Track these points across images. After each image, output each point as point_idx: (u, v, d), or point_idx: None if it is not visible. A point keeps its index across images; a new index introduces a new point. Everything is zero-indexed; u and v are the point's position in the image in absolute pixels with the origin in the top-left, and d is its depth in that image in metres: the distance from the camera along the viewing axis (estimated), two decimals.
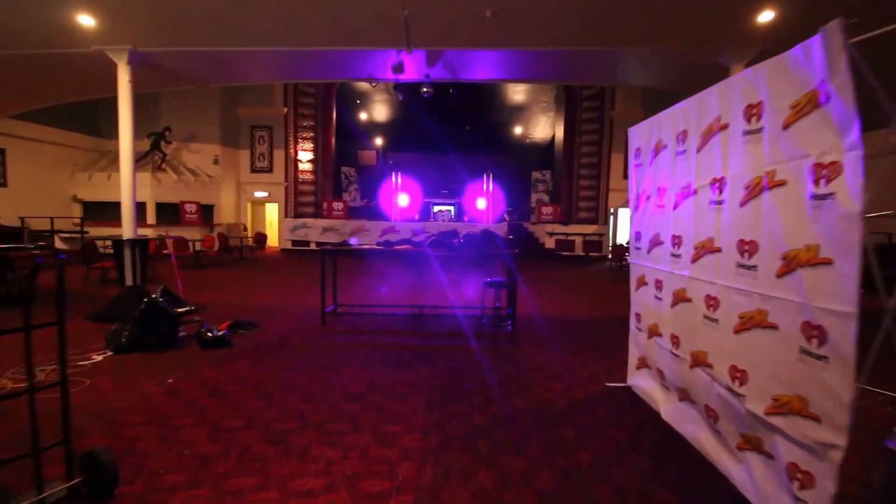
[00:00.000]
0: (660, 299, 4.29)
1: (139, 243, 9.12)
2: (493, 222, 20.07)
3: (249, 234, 20.71)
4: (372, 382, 5.07)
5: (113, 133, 18.83)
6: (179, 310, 7.15)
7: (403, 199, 19.84)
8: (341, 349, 6.45)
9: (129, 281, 8.71)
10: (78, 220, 17.00)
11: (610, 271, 15.74)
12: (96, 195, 17.30)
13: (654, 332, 4.43)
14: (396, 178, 20.00)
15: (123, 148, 9.96)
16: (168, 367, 5.48)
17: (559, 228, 20.16)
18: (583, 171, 20.68)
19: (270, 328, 7.49)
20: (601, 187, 20.44)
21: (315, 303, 8.38)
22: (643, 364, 4.78)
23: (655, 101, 20.16)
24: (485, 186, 20.04)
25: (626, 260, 14.81)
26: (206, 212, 18.94)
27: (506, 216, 22.49)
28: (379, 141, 25.03)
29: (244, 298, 10.00)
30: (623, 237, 21.15)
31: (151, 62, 10.24)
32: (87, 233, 17.13)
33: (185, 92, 18.40)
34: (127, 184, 10.06)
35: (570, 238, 20.03)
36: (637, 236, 4.82)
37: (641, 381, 4.80)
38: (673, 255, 4.01)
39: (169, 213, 17.90)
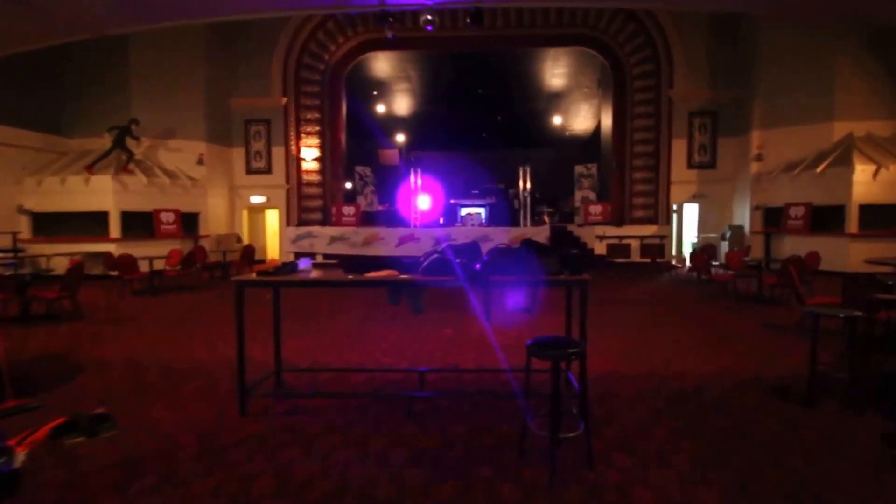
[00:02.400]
0: None
1: None
2: (529, 226, 16.44)
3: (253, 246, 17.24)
4: None
5: (76, 130, 15.18)
6: None
7: (424, 202, 16.27)
8: (269, 472, 3.08)
9: None
10: (24, 235, 13.54)
11: (688, 284, 11.72)
12: (48, 205, 13.57)
13: None
14: (416, 178, 16.46)
15: None
16: None
17: (611, 231, 16.42)
18: (637, 163, 16.91)
19: (159, 418, 3.93)
20: (660, 180, 16.68)
21: (284, 354, 4.76)
22: None
23: (725, 75, 15.75)
24: (520, 184, 16.45)
25: (713, 271, 11.23)
26: (190, 221, 15.40)
27: (545, 218, 18.86)
28: (401, 138, 21.52)
29: (164, 349, 6.16)
30: (690, 238, 17.41)
31: None
32: (21, 252, 13.69)
33: (160, 80, 14.90)
34: None
35: (625, 242, 16.26)
36: None
37: None
38: None
39: (140, 223, 14.13)
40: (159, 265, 11.85)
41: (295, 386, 4.72)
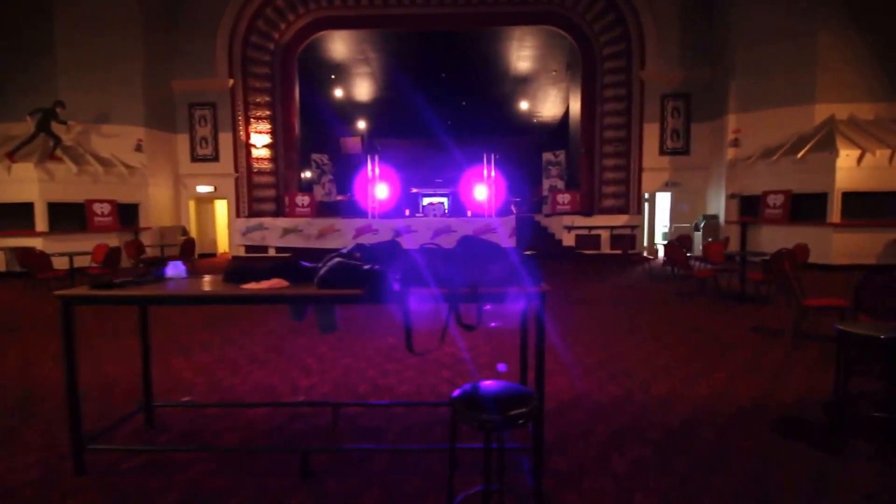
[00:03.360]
0: None
1: None
2: (496, 215, 15.35)
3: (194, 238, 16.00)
4: None
5: (7, 113, 13.41)
6: None
7: (382, 191, 15.09)
8: None
9: None
10: None
11: (662, 279, 10.52)
12: None
13: None
14: (373, 166, 15.24)
15: None
16: None
17: (580, 221, 15.36)
18: (607, 149, 15.81)
19: None
20: (631, 167, 15.62)
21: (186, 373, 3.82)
22: None
23: (699, 55, 14.42)
24: (485, 172, 15.29)
25: (692, 266, 9.86)
26: (128, 213, 14.04)
27: (513, 208, 17.76)
28: (362, 125, 20.27)
29: (45, 367, 4.92)
30: (662, 229, 16.35)
31: None
32: None
33: (91, 58, 13.29)
34: None
35: (594, 233, 15.23)
36: None
37: None
38: None
39: (70, 215, 12.71)
40: (85, 262, 10.72)
41: (171, 424, 3.47)
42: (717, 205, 14.54)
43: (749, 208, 13.77)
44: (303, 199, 15.35)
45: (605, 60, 15.20)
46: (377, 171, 14.94)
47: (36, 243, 12.14)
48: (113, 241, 12.32)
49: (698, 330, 6.16)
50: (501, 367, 4.71)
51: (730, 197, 14.07)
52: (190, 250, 12.43)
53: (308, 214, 15.33)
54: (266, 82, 15.40)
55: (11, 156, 12.30)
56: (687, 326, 6.35)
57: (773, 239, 12.62)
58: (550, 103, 18.24)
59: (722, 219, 14.31)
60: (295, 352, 5.28)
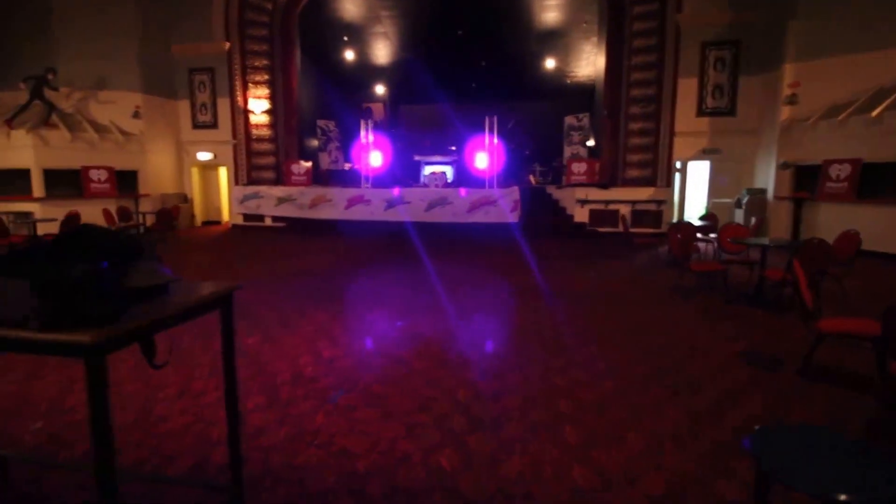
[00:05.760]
0: None
1: None
2: (496, 186, 13.45)
3: (196, 206, 15.74)
4: None
5: (6, 82, 12.93)
6: None
7: (377, 159, 13.68)
8: None
9: None
10: None
11: (674, 268, 7.93)
12: None
13: None
14: (367, 132, 13.83)
15: None
16: None
17: (595, 194, 13.09)
18: (633, 110, 13.28)
19: None
20: (661, 131, 13.01)
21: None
22: None
23: None
24: (486, 139, 13.28)
25: (695, 256, 7.11)
26: (127, 180, 13.72)
27: (533, 178, 15.70)
28: (381, 90, 18.91)
29: None
30: (698, 205, 13.61)
31: None
32: None
33: (87, 22, 12.71)
34: None
35: (612, 207, 12.92)
36: None
37: None
38: None
39: (67, 182, 12.45)
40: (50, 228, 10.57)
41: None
42: (767, 177, 11.67)
43: (805, 181, 10.83)
44: (299, 168, 14.36)
45: (635, 3, 12.56)
46: (371, 137, 13.57)
47: (33, 208, 12.29)
48: (112, 207, 12.19)
49: (679, 356, 4.08)
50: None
51: (781, 167, 11.14)
52: (168, 220, 11.95)
53: (304, 183, 14.36)
54: (264, 45, 14.29)
55: (9, 122, 12.42)
56: (654, 344, 4.38)
57: (833, 220, 9.74)
58: (584, 61, 15.68)
59: (770, 194, 11.48)
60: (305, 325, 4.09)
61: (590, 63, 15.02)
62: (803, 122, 10.56)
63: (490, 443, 2.77)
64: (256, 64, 14.30)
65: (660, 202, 12.34)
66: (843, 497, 1.24)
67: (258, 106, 14.43)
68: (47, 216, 10.86)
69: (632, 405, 3.21)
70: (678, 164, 12.48)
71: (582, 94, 15.50)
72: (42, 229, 10.63)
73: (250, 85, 14.35)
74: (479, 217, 12.45)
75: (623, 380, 3.61)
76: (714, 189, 12.38)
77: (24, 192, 12.27)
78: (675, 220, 12.50)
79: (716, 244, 7.70)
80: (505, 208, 12.44)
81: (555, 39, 15.55)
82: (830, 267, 5.41)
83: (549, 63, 15.99)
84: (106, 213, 11.44)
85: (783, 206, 10.98)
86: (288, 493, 2.32)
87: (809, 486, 1.31)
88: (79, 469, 2.53)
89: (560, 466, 2.54)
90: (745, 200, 11.50)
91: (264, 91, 14.45)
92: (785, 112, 10.93)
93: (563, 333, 4.74)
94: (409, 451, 2.69)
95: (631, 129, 12.79)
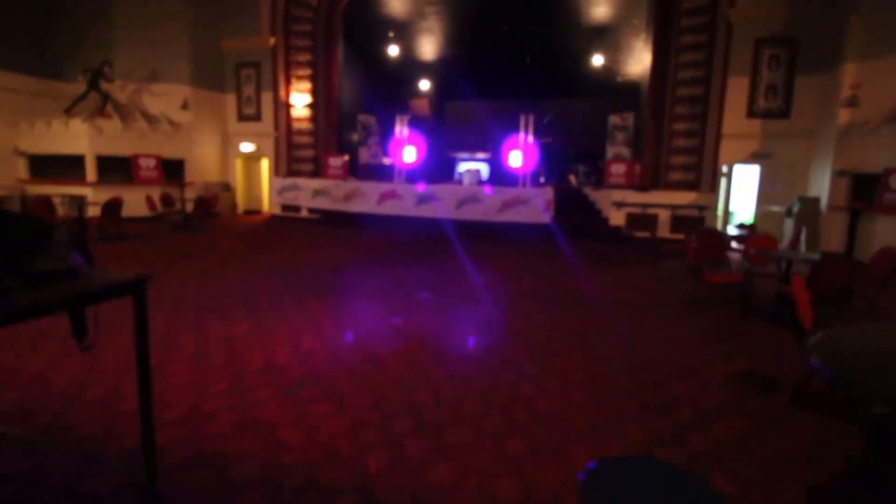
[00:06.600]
0: None
1: None
2: (530, 185, 13.18)
3: (239, 195, 16.32)
4: None
5: (73, 75, 13.89)
6: None
7: (410, 154, 13.72)
8: None
9: None
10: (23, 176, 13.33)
11: (685, 277, 7.37)
12: (39, 147, 13.15)
13: None
14: (402, 128, 13.91)
15: None
16: None
17: (632, 197, 12.63)
18: (679, 110, 12.68)
19: None
20: (707, 133, 12.38)
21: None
22: None
23: None
24: (521, 137, 13.02)
25: (714, 267, 6.66)
26: (174, 168, 14.37)
27: (571, 177, 15.29)
28: (426, 85, 18.94)
29: None
30: (745, 212, 12.87)
31: None
32: None
33: (143, 20, 13.48)
34: None
35: (650, 212, 12.44)
36: None
37: None
38: None
39: (118, 168, 13.24)
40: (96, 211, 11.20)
41: None
42: (821, 185, 10.89)
43: (863, 191, 10.04)
44: (336, 161, 14.67)
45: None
46: (406, 132, 13.63)
47: (86, 192, 13.15)
48: (157, 193, 12.90)
49: (658, 363, 3.99)
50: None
51: (837, 174, 10.35)
52: (205, 208, 12.44)
53: (341, 176, 14.64)
54: (308, 40, 14.65)
55: (69, 111, 13.33)
56: (645, 358, 4.17)
57: (892, 234, 9.03)
58: (635, 58, 15.11)
59: (824, 203, 10.71)
60: (300, 320, 4.30)
61: (640, 61, 14.46)
62: (863, 127, 9.79)
63: (426, 447, 2.71)
64: (299, 59, 14.69)
65: (702, 208, 11.79)
66: None
67: (300, 100, 14.83)
68: (98, 200, 11.58)
69: (593, 421, 3.08)
70: (724, 169, 11.84)
71: (628, 93, 14.95)
72: (91, 212, 11.31)
73: (293, 79, 14.77)
74: (511, 216, 12.27)
75: (596, 393, 3.47)
76: (764, 196, 11.67)
77: (79, 177, 13.12)
78: (719, 227, 11.92)
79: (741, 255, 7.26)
80: (538, 208, 12.20)
81: (604, 36, 15.09)
82: (863, 285, 4.97)
83: (597, 60, 15.51)
84: (148, 199, 12.06)
85: (838, 218, 10.23)
86: (204, 481, 2.36)
87: None
88: None
89: (487, 477, 2.45)
90: (795, 209, 10.78)
91: (306, 86, 14.82)
92: (843, 115, 10.17)
93: (553, 339, 4.60)
94: (342, 449, 2.68)
95: (675, 130, 12.27)
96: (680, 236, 11.42)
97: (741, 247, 7.98)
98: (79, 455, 2.55)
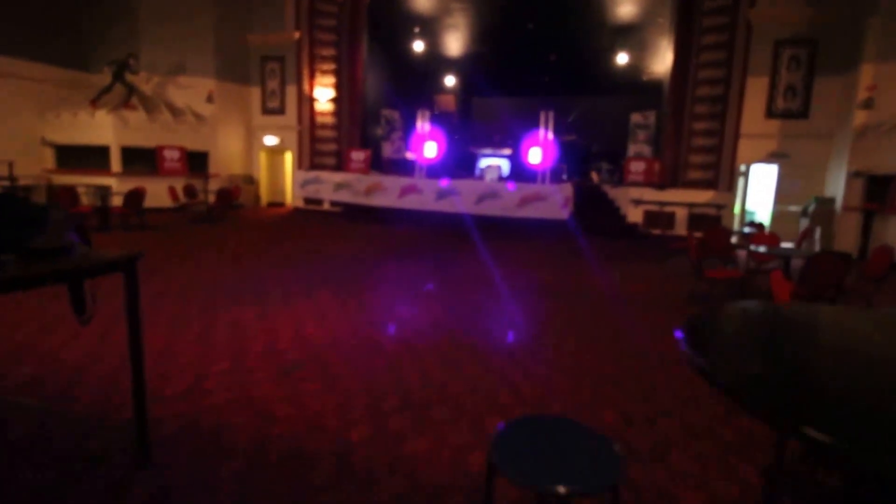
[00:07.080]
0: None
1: None
2: (550, 182, 13.49)
3: (262, 188, 16.68)
4: None
5: (99, 66, 14.26)
6: None
7: (431, 149, 14.03)
8: None
9: None
10: (49, 166, 13.70)
11: (688, 276, 6.50)
12: (65, 138, 13.52)
13: None
14: (423, 123, 14.19)
15: None
16: None
17: (650, 194, 12.93)
18: (699, 109, 12.95)
19: None
20: (726, 132, 12.64)
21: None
22: None
23: None
24: (541, 134, 13.31)
25: (710, 263, 6.91)
26: (198, 160, 14.71)
27: (592, 175, 15.57)
28: (451, 81, 19.14)
29: None
30: (762, 212, 13.17)
31: None
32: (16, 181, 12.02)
33: (169, 13, 13.75)
34: None
35: (667, 210, 12.74)
36: None
37: None
38: None
39: (143, 159, 13.65)
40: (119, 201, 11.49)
41: None
42: (838, 185, 11.15)
43: (878, 192, 10.29)
44: (358, 155, 15.00)
45: None
46: (427, 127, 13.95)
47: (111, 182, 13.47)
48: (181, 184, 13.26)
49: (639, 354, 4.29)
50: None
51: (853, 175, 10.60)
52: (227, 199, 12.74)
53: (363, 170, 14.98)
54: (332, 34, 14.99)
55: (94, 103, 13.67)
56: (633, 347, 4.47)
57: None
58: (659, 57, 15.32)
59: (839, 203, 10.97)
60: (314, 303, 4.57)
61: (664, 59, 14.69)
62: (878, 128, 10.03)
63: (408, 423, 2.99)
64: (324, 53, 14.97)
65: (720, 206, 12.06)
66: (559, 489, 1.33)
67: (323, 94, 15.13)
68: (123, 190, 11.86)
69: (572, 403, 3.35)
70: (742, 168, 12.10)
71: (651, 92, 15.19)
72: (115, 202, 11.57)
73: (317, 73, 15.06)
74: (529, 212, 12.57)
75: (580, 379, 3.73)
76: (781, 195, 11.92)
77: (104, 167, 13.49)
78: (735, 226, 12.19)
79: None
80: (557, 204, 12.49)
81: (629, 34, 15.31)
82: (861, 283, 5.23)
83: (622, 58, 15.75)
84: (170, 189, 12.42)
85: (852, 218, 10.49)
86: (196, 447, 2.66)
87: (523, 479, 1.39)
88: None
89: (461, 451, 2.72)
90: (811, 209, 11.05)
91: (330, 80, 15.11)
92: (859, 117, 10.39)
93: (549, 330, 4.90)
94: (328, 422, 2.95)
95: (695, 129, 12.52)
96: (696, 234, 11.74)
97: (745, 243, 8.29)
98: (82, 423, 2.88)
